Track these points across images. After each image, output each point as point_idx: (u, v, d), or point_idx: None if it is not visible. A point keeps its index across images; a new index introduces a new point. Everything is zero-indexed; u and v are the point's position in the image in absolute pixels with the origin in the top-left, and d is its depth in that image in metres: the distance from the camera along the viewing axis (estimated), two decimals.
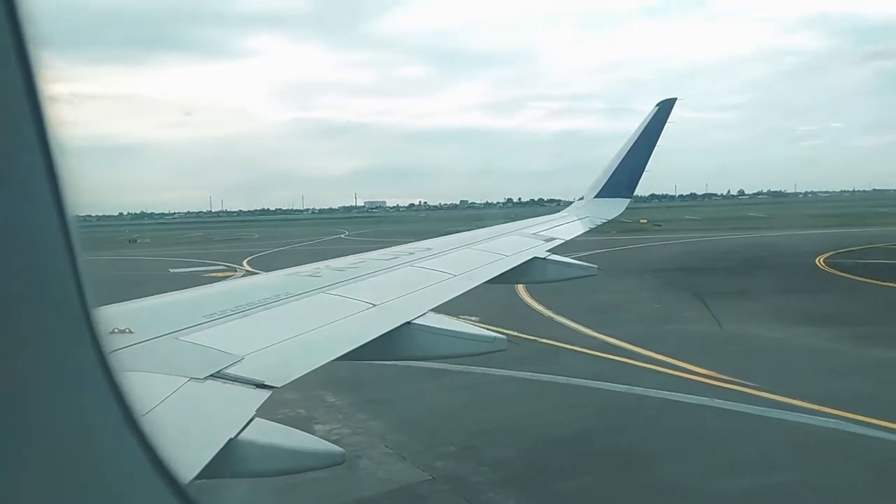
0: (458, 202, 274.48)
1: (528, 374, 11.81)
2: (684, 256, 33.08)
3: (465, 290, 5.25)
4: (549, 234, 8.89)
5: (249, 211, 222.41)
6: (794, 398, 9.89)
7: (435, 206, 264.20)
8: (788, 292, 21.01)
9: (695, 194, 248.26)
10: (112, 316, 2.92)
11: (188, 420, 2.30)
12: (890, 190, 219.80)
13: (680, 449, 8.59)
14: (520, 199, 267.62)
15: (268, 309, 3.76)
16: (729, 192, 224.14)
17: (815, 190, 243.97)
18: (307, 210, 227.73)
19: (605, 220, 11.37)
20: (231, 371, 2.70)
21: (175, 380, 2.47)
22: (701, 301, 19.17)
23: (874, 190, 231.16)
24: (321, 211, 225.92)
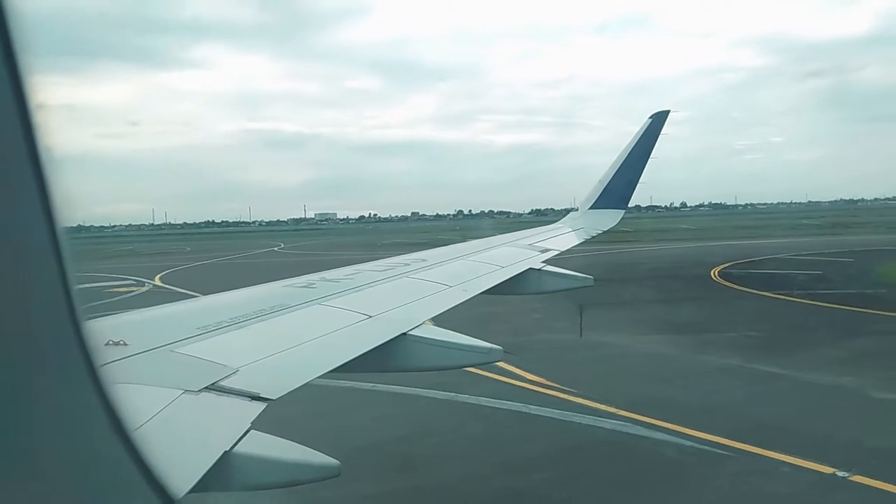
0: (409, 214, 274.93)
1: (348, 383, 11.06)
2: (589, 269, 33.77)
3: (460, 301, 5.23)
4: (544, 245, 8.91)
5: (194, 223, 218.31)
6: (604, 403, 10.45)
7: (385, 218, 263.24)
8: (667, 302, 21.89)
9: (639, 206, 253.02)
10: (106, 328, 2.93)
11: (183, 433, 2.27)
12: (824, 202, 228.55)
13: (457, 453, 9.02)
14: (470, 210, 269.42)
15: (263, 321, 3.73)
16: (671, 204, 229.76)
17: (755, 202, 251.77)
18: (254, 222, 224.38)
19: (600, 232, 11.38)
20: (226, 383, 2.66)
21: (169, 392, 2.44)
22: (579, 311, 19.80)
23: (809, 202, 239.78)
24: (269, 223, 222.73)
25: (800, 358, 13.38)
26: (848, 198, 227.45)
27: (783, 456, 8.23)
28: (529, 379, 12.16)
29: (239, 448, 2.18)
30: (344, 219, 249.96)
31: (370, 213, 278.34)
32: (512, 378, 12.26)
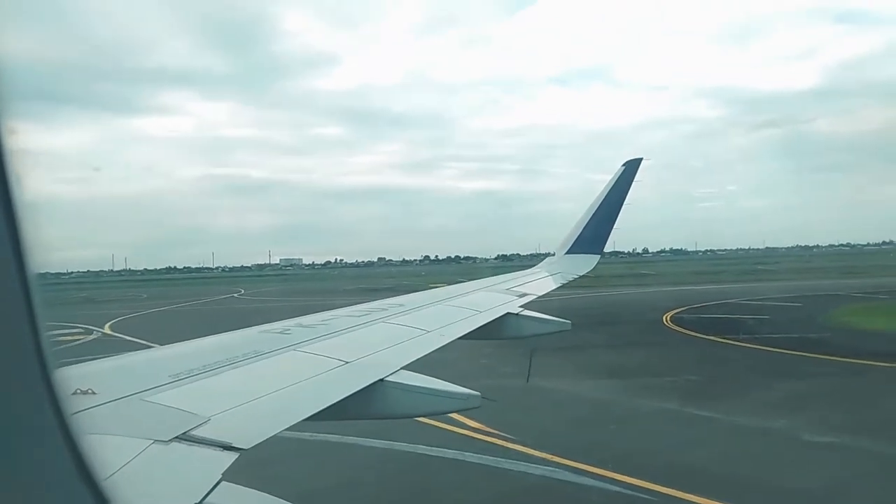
0: (375, 259, 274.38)
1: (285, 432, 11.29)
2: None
3: (438, 346, 5.19)
4: (521, 289, 8.93)
5: (154, 270, 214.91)
6: (537, 449, 10.50)
7: (352, 264, 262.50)
8: (616, 347, 22.15)
9: (603, 252, 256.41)
10: (74, 376, 2.86)
11: (152, 484, 2.21)
12: (781, 248, 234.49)
13: (389, 499, 8.95)
14: (437, 256, 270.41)
15: (236, 368, 3.66)
16: (634, 250, 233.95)
17: (714, 248, 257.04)
18: (218, 268, 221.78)
19: (576, 276, 11.44)
20: (197, 433, 2.60)
21: (139, 442, 2.38)
22: (528, 357, 19.88)
23: (767, 248, 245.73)
24: (232, 269, 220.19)
25: (734, 402, 13.63)
26: (803, 244, 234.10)
27: (703, 499, 8.34)
28: (470, 426, 12.15)
29: (210, 500, 2.12)
30: (310, 264, 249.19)
31: (336, 259, 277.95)
32: (452, 425, 12.23)
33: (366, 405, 3.74)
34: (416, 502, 8.86)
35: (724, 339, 22.32)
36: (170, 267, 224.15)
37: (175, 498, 2.15)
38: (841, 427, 11.57)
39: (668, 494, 8.58)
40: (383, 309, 6.34)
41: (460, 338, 5.82)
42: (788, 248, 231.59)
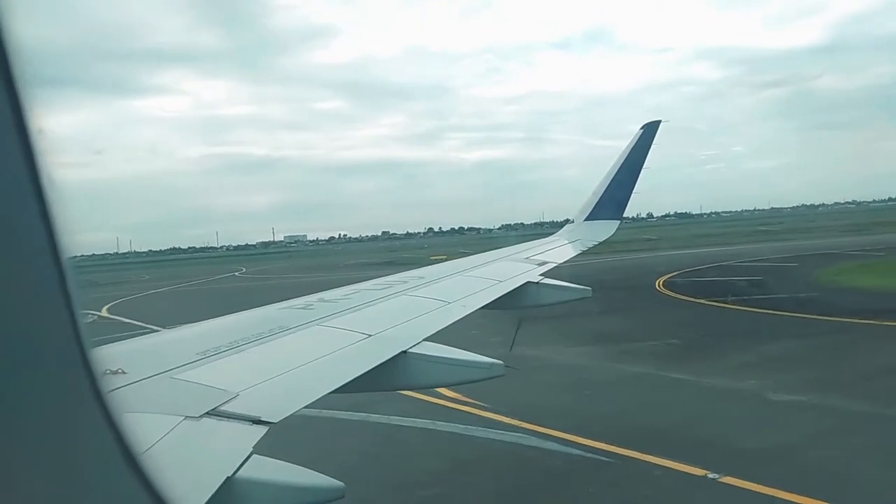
0: (379, 233, 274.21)
1: None
2: None
3: (460, 317, 5.24)
4: (541, 258, 8.94)
5: (159, 251, 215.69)
6: (509, 416, 10.71)
7: (356, 239, 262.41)
8: (605, 313, 22.26)
9: (623, 218, 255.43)
10: (105, 357, 2.95)
11: (184, 459, 2.26)
12: (786, 208, 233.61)
13: (351, 473, 9.16)
14: (440, 228, 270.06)
15: (262, 344, 3.72)
16: (638, 215, 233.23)
17: (719, 210, 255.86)
18: (222, 247, 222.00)
19: (596, 243, 11.42)
20: (226, 408, 2.66)
21: (170, 419, 2.43)
22: (516, 325, 20.07)
23: (772, 208, 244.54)
24: (237, 247, 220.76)
25: (710, 364, 13.79)
26: (809, 203, 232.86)
27: (661, 460, 8.53)
28: (446, 395, 12.35)
29: (241, 473, 2.17)
30: (314, 240, 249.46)
31: (340, 234, 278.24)
32: (430, 395, 12.44)
33: (390, 377, 3.81)
34: (385, 471, 9.08)
35: (713, 301, 22.43)
36: (174, 248, 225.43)
37: (209, 471, 2.18)
38: (810, 386, 11.72)
39: (626, 456, 8.79)
40: (404, 282, 6.40)
41: (481, 308, 5.87)
42: (793, 207, 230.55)
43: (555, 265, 8.55)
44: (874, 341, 15.52)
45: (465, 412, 11.29)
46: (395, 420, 11.12)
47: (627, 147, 12.15)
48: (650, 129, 12.07)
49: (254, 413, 2.66)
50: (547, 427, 10.08)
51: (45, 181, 0.96)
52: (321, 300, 5.21)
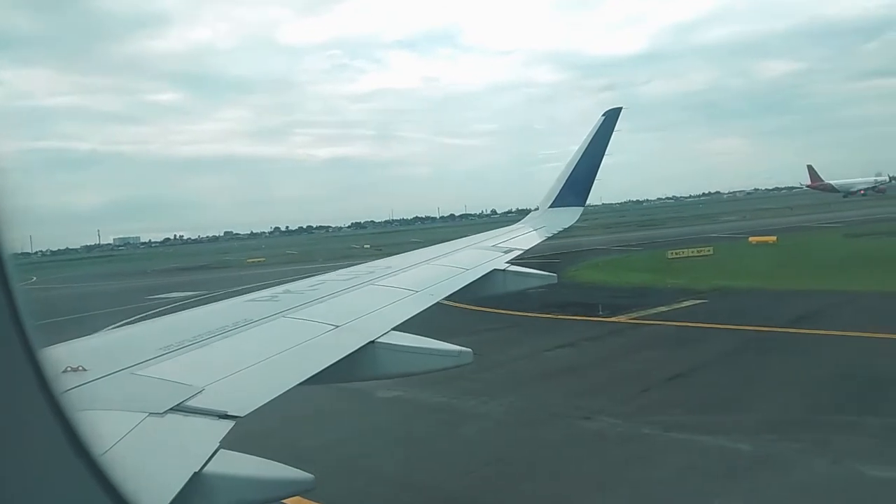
0: (221, 234, 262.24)
1: None
2: None
3: (427, 306, 5.15)
4: (507, 245, 8.88)
5: None
6: None
7: (194, 240, 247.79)
8: None
9: (454, 215, 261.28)
10: (63, 354, 2.81)
11: (150, 456, 2.20)
12: (615, 203, 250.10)
13: None
14: (287, 227, 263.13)
15: (227, 337, 3.64)
16: (483, 212, 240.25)
17: None
18: (36, 253, 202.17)
19: (561, 229, 11.39)
20: (192, 403, 2.60)
21: (134, 416, 2.37)
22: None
23: (603, 204, 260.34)
24: (55, 252, 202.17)
25: None
26: (635, 199, 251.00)
27: None
28: None
29: (209, 468, 2.14)
30: (146, 242, 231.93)
31: (176, 235, 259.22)
32: None
33: (358, 367, 3.76)
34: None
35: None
36: None
37: (175, 468, 2.14)
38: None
39: None
40: (370, 271, 6.40)
41: (448, 296, 5.83)
42: (622, 203, 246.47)
43: (521, 251, 8.64)
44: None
45: None
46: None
47: (589, 134, 12.21)
48: (611, 117, 12.13)
49: (220, 408, 2.61)
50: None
51: None
52: (287, 291, 5.19)
